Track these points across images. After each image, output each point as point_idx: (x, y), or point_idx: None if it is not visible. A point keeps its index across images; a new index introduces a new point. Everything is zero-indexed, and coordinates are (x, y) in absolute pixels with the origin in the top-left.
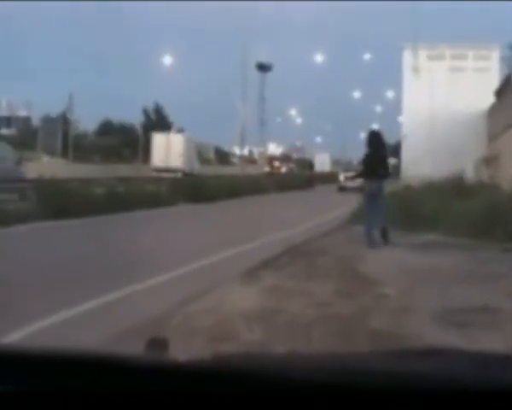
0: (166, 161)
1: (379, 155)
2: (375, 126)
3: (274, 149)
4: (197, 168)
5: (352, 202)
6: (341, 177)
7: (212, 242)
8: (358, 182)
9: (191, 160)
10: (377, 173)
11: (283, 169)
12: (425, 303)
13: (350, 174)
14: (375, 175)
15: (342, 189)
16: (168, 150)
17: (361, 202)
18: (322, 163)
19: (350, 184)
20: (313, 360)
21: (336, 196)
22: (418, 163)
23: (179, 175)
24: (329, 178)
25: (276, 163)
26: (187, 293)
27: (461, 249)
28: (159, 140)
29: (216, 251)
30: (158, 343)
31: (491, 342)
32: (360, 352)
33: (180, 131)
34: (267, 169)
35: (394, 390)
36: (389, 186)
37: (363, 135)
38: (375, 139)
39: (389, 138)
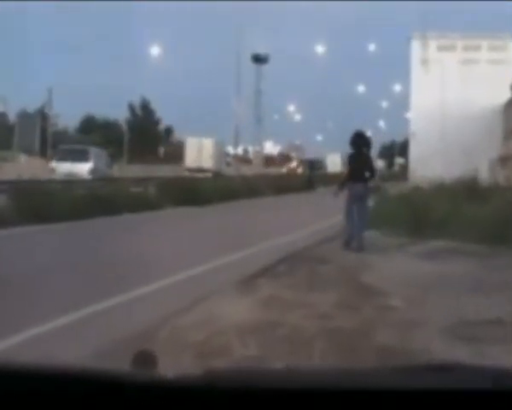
0: (198, 161)
1: (363, 157)
2: (382, 123)
3: (271, 147)
4: (224, 168)
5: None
6: None
7: (203, 248)
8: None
9: (219, 161)
10: (362, 176)
11: (299, 170)
12: (434, 315)
13: None
14: (359, 177)
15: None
16: (200, 152)
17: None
18: (334, 163)
19: None
20: (313, 376)
21: (340, 198)
22: (427, 163)
23: (209, 175)
24: (335, 179)
25: (294, 164)
26: (176, 305)
27: (473, 257)
28: (191, 143)
29: (207, 259)
30: (145, 358)
31: (504, 357)
32: (365, 367)
33: (168, 129)
34: (284, 170)
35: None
36: (396, 188)
37: (368, 133)
38: (358, 140)
39: (396, 136)
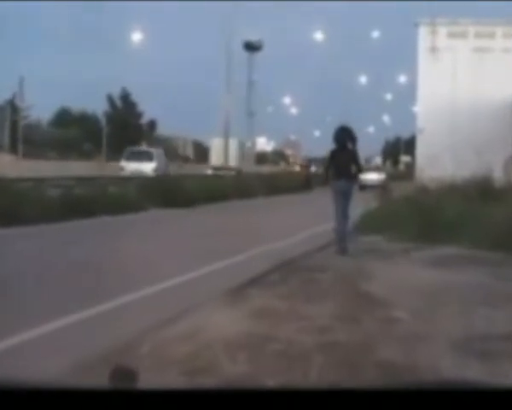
0: (222, 160)
1: (349, 153)
2: (386, 118)
3: (264, 143)
4: (252, 167)
5: (358, 207)
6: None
7: (188, 255)
8: (377, 179)
9: (241, 159)
10: (347, 172)
11: (312, 168)
12: (442, 329)
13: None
14: (344, 174)
15: (363, 188)
16: (224, 151)
17: (368, 205)
18: None
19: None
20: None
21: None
22: (436, 161)
23: (233, 173)
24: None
25: (305, 162)
26: (158, 317)
27: (486, 265)
28: (217, 143)
29: (192, 266)
30: (124, 374)
31: None
32: (367, 386)
33: (152, 123)
34: (297, 168)
35: None
36: (401, 188)
37: (371, 129)
38: (343, 135)
39: (402, 132)
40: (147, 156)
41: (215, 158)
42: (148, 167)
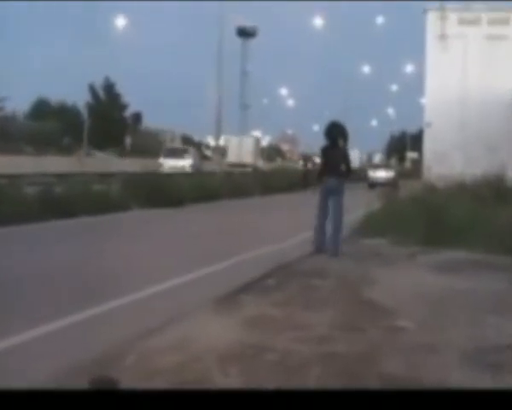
0: (239, 157)
1: (340, 150)
2: (391, 111)
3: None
4: (261, 163)
5: (359, 207)
6: (371, 172)
7: (176, 258)
8: (387, 177)
9: (258, 156)
10: (337, 170)
11: (309, 165)
12: (450, 339)
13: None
14: (334, 171)
15: (372, 186)
16: (240, 149)
17: (372, 205)
18: (354, 160)
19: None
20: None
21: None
22: (445, 158)
23: (249, 169)
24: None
25: (306, 157)
26: (144, 325)
27: (499, 271)
28: (234, 141)
29: (180, 271)
30: (103, 383)
31: None
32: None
33: (137, 115)
34: (298, 164)
35: None
36: (407, 187)
37: (375, 122)
38: (334, 131)
39: (408, 126)
40: (184, 154)
41: (232, 155)
42: (184, 164)
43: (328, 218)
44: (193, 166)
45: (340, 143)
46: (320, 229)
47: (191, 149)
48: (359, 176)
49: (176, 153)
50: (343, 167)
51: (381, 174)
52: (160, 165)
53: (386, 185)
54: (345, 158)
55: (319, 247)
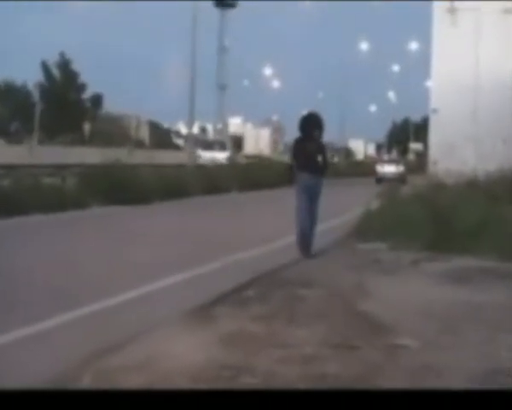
0: (256, 148)
1: (316, 143)
2: (391, 95)
3: (238, 125)
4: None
5: (359, 205)
6: (379, 167)
7: (138, 265)
8: (395, 172)
9: (274, 148)
10: (313, 164)
11: (335, 159)
12: (458, 360)
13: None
14: (310, 166)
15: (379, 181)
16: (257, 141)
17: (370, 204)
18: (357, 151)
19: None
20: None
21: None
22: (453, 151)
23: (267, 163)
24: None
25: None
26: (104, 340)
27: None
28: (250, 132)
29: (149, 278)
30: None
31: None
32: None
33: (97, 98)
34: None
35: None
36: (410, 183)
37: (373, 108)
38: (309, 122)
39: (411, 113)
40: (221, 146)
41: (249, 147)
42: (221, 156)
43: (310, 216)
44: (229, 158)
45: (316, 135)
46: (302, 230)
47: (227, 142)
48: (364, 170)
49: (213, 145)
50: (320, 162)
51: (390, 169)
52: (199, 157)
53: (394, 181)
54: (322, 151)
55: (304, 250)
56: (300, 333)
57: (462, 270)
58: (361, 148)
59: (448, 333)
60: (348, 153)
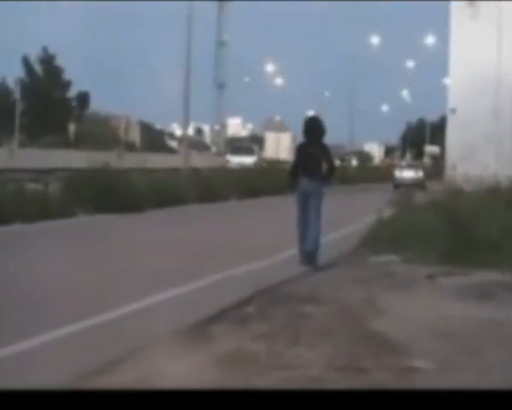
0: (276, 153)
1: (319, 147)
2: (405, 93)
3: (238, 126)
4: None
5: (364, 213)
6: (397, 172)
7: (131, 278)
8: (414, 178)
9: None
10: (316, 170)
11: (353, 163)
12: (477, 385)
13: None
14: (312, 172)
15: (397, 186)
16: (278, 145)
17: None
18: (373, 156)
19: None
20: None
21: (342, 203)
22: (474, 154)
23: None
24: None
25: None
26: (91, 361)
27: None
28: (271, 137)
29: (142, 292)
30: None
31: None
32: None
33: (83, 96)
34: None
35: None
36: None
37: (385, 107)
38: (312, 126)
39: (427, 113)
40: (249, 151)
41: (269, 151)
42: (249, 160)
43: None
44: (257, 162)
45: (319, 139)
46: (303, 238)
47: (255, 147)
48: (380, 175)
49: (242, 150)
50: (324, 167)
51: (409, 174)
52: (228, 161)
53: (412, 187)
54: (326, 156)
55: (307, 258)
56: (305, 354)
57: (482, 285)
58: (376, 151)
59: (467, 354)
60: (366, 157)
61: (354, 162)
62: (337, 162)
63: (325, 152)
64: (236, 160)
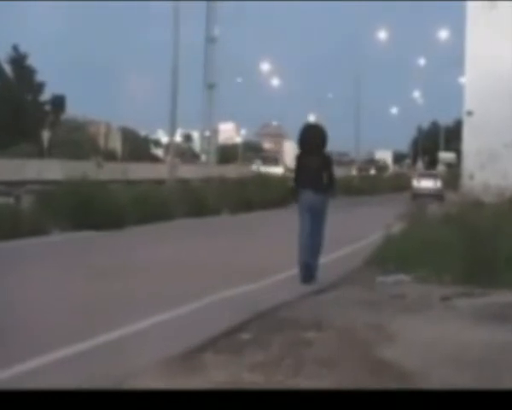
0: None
1: (320, 157)
2: (417, 94)
3: (231, 132)
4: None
5: (370, 230)
6: (415, 182)
7: (114, 302)
8: (432, 188)
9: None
10: (317, 182)
11: (372, 171)
12: None
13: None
14: (313, 184)
15: (415, 196)
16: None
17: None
18: (387, 164)
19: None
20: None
21: (350, 217)
22: (493, 161)
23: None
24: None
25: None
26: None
27: None
28: (289, 146)
29: (129, 317)
30: None
31: None
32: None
33: (58, 100)
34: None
35: None
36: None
37: (394, 110)
38: (311, 135)
39: (441, 116)
40: (276, 162)
41: (288, 160)
42: (277, 170)
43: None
44: (284, 173)
45: (320, 149)
46: (304, 254)
47: (281, 158)
48: (395, 185)
49: (270, 161)
50: (325, 179)
51: (428, 184)
52: (252, 171)
53: (431, 197)
54: (327, 167)
55: (306, 276)
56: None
57: (502, 307)
58: (389, 160)
59: (486, 383)
60: (383, 166)
61: (372, 171)
62: (372, 171)
63: (325, 163)
64: (266, 170)
